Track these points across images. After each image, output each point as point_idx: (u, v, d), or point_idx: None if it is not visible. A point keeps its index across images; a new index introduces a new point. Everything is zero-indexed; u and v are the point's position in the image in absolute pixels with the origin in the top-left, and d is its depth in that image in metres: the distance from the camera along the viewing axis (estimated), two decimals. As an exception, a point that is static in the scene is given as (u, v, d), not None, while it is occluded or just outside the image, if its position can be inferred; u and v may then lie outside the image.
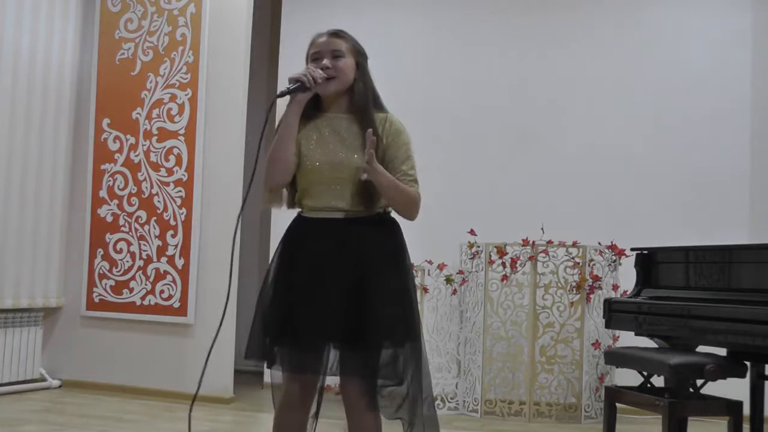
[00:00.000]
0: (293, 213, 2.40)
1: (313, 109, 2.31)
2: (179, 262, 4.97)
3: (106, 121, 5.24)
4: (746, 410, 3.18)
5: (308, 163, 2.26)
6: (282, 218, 2.61)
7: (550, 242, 4.74)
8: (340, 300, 2.17)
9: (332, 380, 2.33)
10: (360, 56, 2.33)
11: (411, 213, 2.28)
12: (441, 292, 4.82)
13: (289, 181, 2.30)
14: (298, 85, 2.20)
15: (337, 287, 2.18)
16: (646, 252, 3.71)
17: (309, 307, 2.18)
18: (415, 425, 2.26)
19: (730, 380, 3.07)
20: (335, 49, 2.28)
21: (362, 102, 2.29)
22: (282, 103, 2.29)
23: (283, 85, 5.53)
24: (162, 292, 5.00)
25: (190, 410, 2.32)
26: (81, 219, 5.27)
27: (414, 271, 4.56)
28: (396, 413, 2.26)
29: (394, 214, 2.34)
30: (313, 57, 2.30)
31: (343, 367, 2.20)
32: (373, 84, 2.36)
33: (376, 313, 2.15)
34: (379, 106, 2.34)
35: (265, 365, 2.30)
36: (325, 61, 2.26)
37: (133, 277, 5.08)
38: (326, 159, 2.25)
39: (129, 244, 5.11)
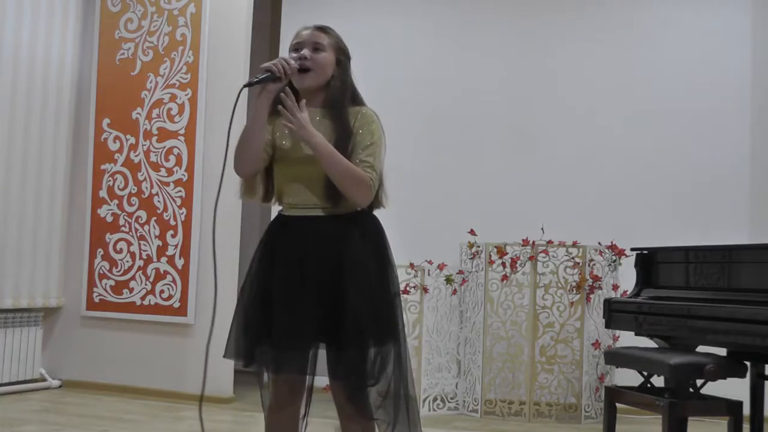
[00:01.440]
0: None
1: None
2: (179, 262, 4.97)
3: (106, 121, 5.24)
4: (746, 410, 3.18)
5: (281, 159, 2.25)
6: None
7: (550, 242, 4.74)
8: (320, 299, 2.15)
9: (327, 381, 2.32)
10: (341, 53, 2.32)
11: (355, 192, 2.16)
12: (441, 292, 4.82)
13: (259, 170, 2.27)
14: (268, 75, 2.16)
15: (316, 287, 2.16)
16: (646, 252, 3.71)
17: (289, 307, 2.16)
18: (396, 426, 2.22)
19: (730, 380, 3.06)
20: (317, 41, 2.27)
21: (336, 97, 2.27)
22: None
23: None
24: (162, 292, 5.00)
25: (200, 411, 2.30)
26: (81, 219, 5.27)
27: (414, 271, 4.60)
28: (374, 413, 2.23)
29: (376, 211, 2.32)
30: (294, 47, 2.28)
31: (330, 370, 2.18)
32: (352, 81, 2.33)
33: (356, 313, 2.12)
34: (357, 102, 2.31)
35: (243, 365, 2.29)
36: (304, 51, 2.24)
37: (133, 277, 5.08)
38: (298, 154, 2.23)
39: (129, 244, 5.11)
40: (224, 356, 2.29)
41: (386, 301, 2.22)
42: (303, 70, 2.23)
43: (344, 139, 2.19)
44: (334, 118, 2.23)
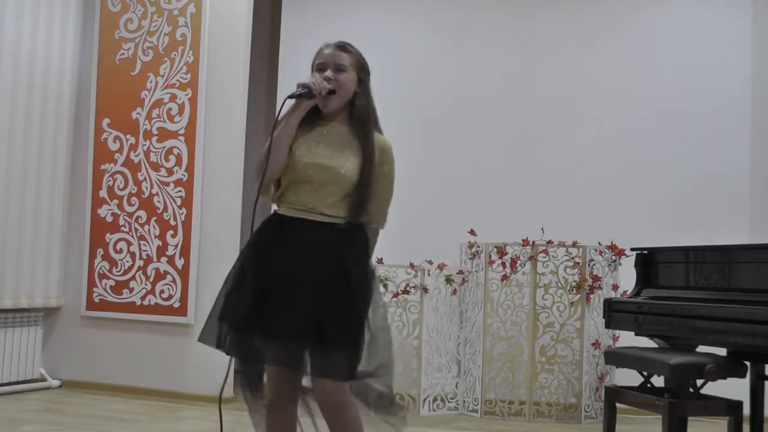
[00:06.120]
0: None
1: (315, 116, 2.36)
2: (179, 262, 4.97)
3: (106, 121, 5.24)
4: (746, 410, 3.18)
5: (295, 161, 2.31)
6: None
7: (550, 242, 4.74)
8: (311, 300, 2.21)
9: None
10: (363, 71, 2.39)
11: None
12: (441, 292, 4.82)
13: (277, 176, 2.35)
14: (307, 91, 2.27)
15: (309, 287, 2.22)
16: (646, 252, 3.71)
17: (285, 304, 2.22)
18: (371, 407, 2.34)
19: (730, 380, 3.07)
20: (339, 62, 2.34)
21: (363, 116, 2.35)
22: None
23: (283, 85, 5.55)
24: (162, 292, 5.00)
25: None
26: (81, 219, 5.27)
27: (414, 271, 4.59)
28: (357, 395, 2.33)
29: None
30: (318, 67, 2.36)
31: (313, 368, 2.26)
32: (373, 101, 2.41)
33: (338, 315, 2.20)
34: (376, 126, 2.40)
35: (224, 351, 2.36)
36: (328, 73, 2.32)
37: (133, 277, 5.08)
38: (313, 160, 2.30)
39: (129, 244, 5.11)
40: (199, 340, 2.37)
41: (362, 309, 2.30)
42: (327, 92, 2.32)
43: (371, 163, 2.30)
44: (362, 139, 2.32)
